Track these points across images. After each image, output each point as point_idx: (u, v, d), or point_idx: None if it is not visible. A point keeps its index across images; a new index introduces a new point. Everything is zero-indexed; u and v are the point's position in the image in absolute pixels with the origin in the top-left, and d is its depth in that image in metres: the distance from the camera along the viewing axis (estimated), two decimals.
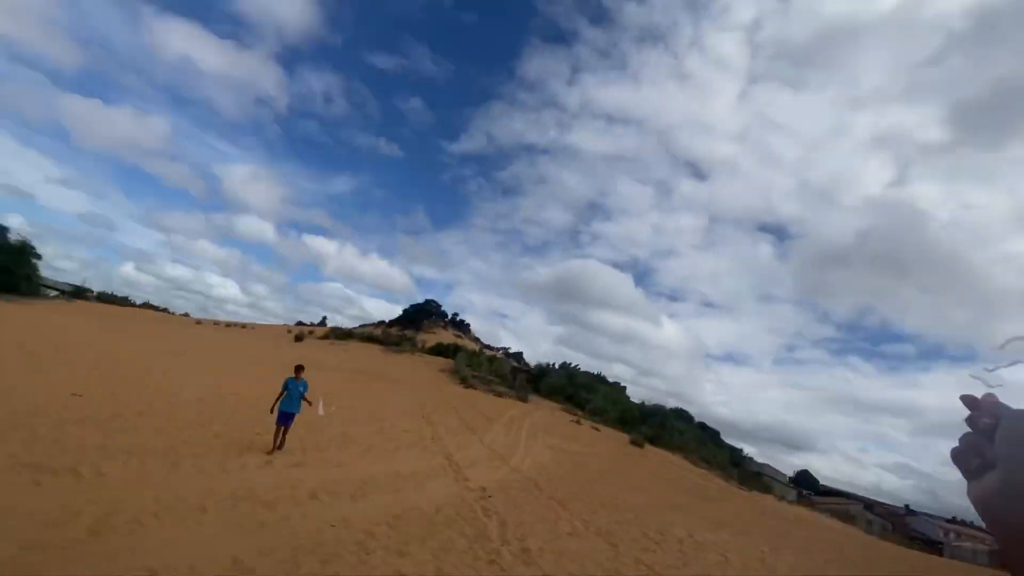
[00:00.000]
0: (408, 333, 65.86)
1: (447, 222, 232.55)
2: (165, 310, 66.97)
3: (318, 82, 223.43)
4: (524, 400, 32.38)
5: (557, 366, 51.27)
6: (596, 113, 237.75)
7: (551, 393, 38.50)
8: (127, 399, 9.67)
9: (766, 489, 32.52)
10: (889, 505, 51.09)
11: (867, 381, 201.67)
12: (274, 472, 7.12)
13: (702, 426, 50.58)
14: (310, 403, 8.52)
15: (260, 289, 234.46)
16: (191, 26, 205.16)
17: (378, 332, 61.62)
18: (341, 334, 55.16)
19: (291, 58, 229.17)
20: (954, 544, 33.99)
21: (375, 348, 49.15)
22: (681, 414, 47.25)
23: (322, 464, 8.21)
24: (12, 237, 50.65)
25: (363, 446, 10.40)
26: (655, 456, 25.69)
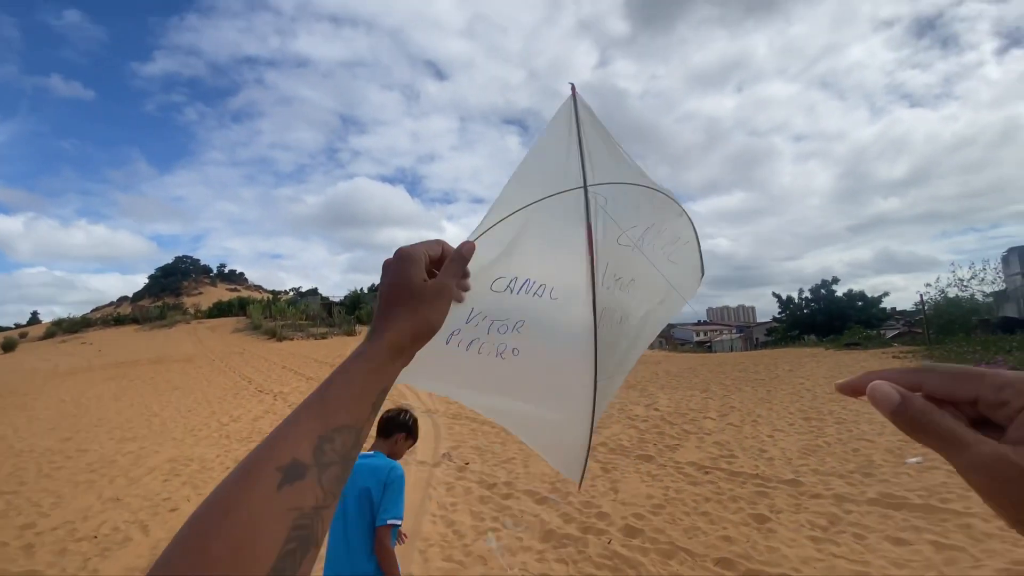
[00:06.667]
0: (169, 300, 53.62)
1: (173, 162, 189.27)
2: None
3: None
4: (352, 334, 29.82)
5: (366, 290, 48.43)
6: (318, 14, 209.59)
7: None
8: None
9: None
10: None
11: None
12: None
13: None
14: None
15: None
16: None
17: (127, 311, 48.54)
18: (71, 324, 41.32)
19: None
20: (716, 340, 45.25)
21: (130, 329, 38.71)
22: None
23: None
24: None
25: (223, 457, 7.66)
26: None
